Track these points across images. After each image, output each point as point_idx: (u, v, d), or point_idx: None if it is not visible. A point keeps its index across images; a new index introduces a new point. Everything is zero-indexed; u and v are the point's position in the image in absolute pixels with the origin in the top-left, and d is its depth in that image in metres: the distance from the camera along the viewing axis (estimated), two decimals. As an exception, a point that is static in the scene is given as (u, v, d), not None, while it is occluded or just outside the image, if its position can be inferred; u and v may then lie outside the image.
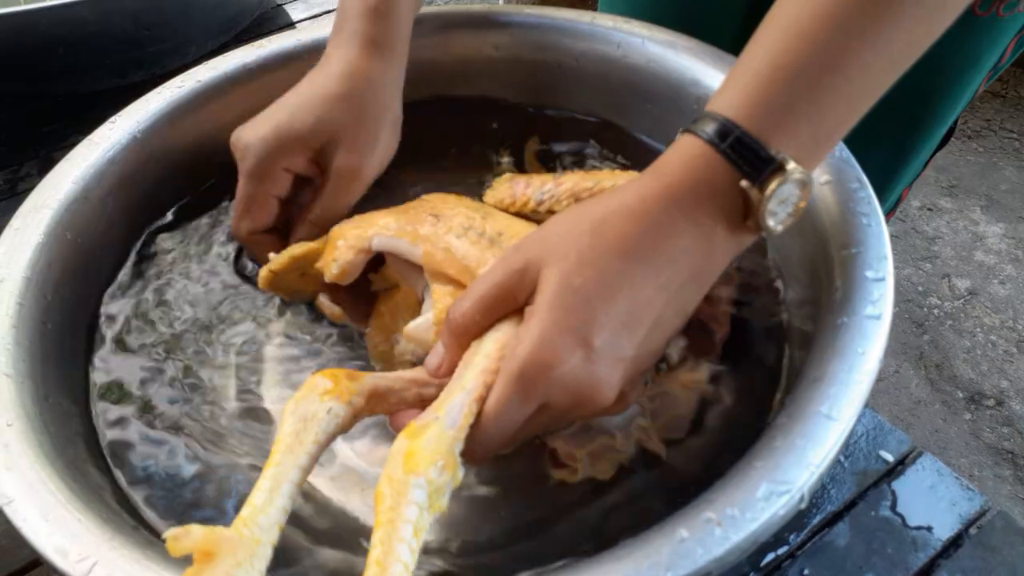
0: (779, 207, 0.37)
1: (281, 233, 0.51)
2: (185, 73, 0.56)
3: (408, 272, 0.46)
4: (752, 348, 0.43)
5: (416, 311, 0.46)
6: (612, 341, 0.36)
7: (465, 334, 0.39)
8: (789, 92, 0.37)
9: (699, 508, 0.33)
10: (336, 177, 0.49)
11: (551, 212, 0.48)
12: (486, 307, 0.38)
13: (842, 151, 0.47)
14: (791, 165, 0.36)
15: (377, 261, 0.48)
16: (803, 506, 0.34)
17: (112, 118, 0.53)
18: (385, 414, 0.38)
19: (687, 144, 0.38)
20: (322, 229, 0.49)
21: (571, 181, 0.48)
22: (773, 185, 0.36)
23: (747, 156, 0.36)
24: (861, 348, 0.38)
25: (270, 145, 0.48)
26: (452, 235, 0.44)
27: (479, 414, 0.35)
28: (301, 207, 0.51)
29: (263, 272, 0.48)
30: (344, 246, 0.45)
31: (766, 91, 0.37)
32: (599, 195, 0.39)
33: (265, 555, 0.31)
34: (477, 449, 0.35)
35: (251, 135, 0.49)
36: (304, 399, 0.36)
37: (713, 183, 0.37)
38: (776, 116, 0.37)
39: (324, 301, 0.49)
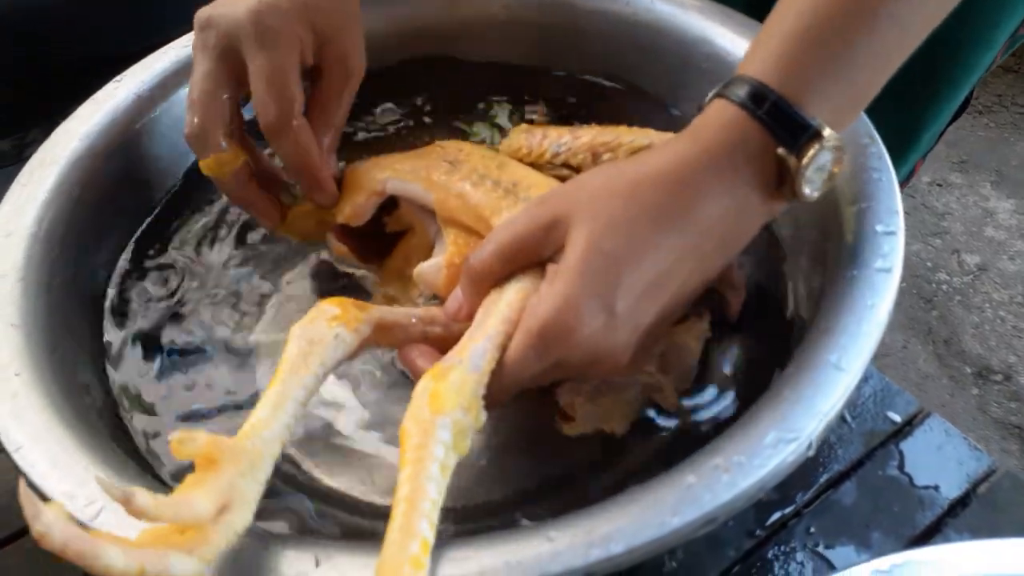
0: (815, 174, 0.36)
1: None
2: (190, 33, 0.55)
3: (421, 216, 0.47)
4: (761, 302, 0.43)
5: (429, 255, 0.46)
6: (635, 308, 0.36)
7: (483, 281, 0.38)
8: (822, 53, 0.36)
9: (707, 455, 0.33)
10: (337, 66, 0.46)
11: (567, 165, 0.48)
12: (506, 257, 0.38)
13: (853, 107, 0.46)
14: (827, 131, 0.36)
15: (391, 204, 0.48)
16: (811, 454, 0.34)
17: (117, 77, 0.53)
18: (389, 347, 0.39)
19: (722, 109, 0.37)
20: (334, 131, 0.47)
21: (589, 135, 0.47)
22: (811, 152, 0.35)
23: (784, 123, 0.36)
24: (871, 300, 0.38)
25: (271, 7, 0.42)
26: (467, 183, 0.44)
27: (500, 364, 0.35)
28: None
29: (279, 225, 0.48)
30: (356, 187, 0.46)
31: (798, 53, 0.36)
32: (633, 157, 0.39)
33: (267, 468, 0.32)
34: (492, 395, 0.35)
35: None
36: (312, 323, 0.36)
37: (750, 150, 0.36)
38: (810, 78, 0.36)
39: (336, 243, 0.49)
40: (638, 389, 0.42)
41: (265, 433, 0.32)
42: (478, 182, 0.44)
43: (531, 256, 0.38)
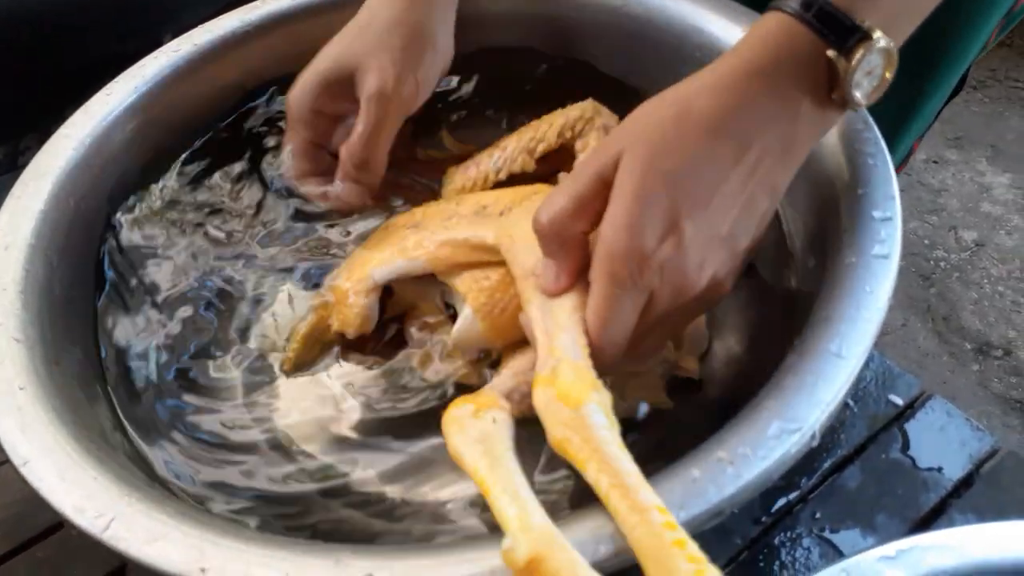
0: (865, 78, 0.36)
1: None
2: (181, 37, 0.55)
3: (419, 288, 0.46)
4: (759, 291, 0.43)
5: (440, 321, 0.45)
6: (703, 222, 0.35)
7: (568, 232, 0.37)
8: None
9: (711, 448, 0.33)
10: (364, 102, 0.48)
11: (512, 173, 0.48)
12: (582, 202, 0.36)
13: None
14: (877, 33, 0.36)
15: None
16: (814, 444, 0.34)
17: (109, 85, 0.53)
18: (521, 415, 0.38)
19: (768, 20, 0.37)
20: (366, 173, 0.48)
21: (512, 141, 0.48)
22: (859, 54, 0.35)
23: (832, 24, 0.35)
24: (869, 287, 0.38)
25: (297, 91, 0.49)
26: (441, 232, 0.44)
27: (590, 331, 0.35)
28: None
29: (283, 360, 0.46)
30: (351, 296, 0.44)
31: None
32: (680, 82, 0.38)
33: (568, 544, 0.30)
34: (605, 363, 0.35)
35: (292, 88, 0.50)
36: (462, 430, 0.35)
37: (798, 54, 0.36)
38: None
39: (359, 358, 0.47)
40: (661, 368, 0.42)
41: (536, 520, 0.31)
42: (449, 225, 0.44)
43: (600, 200, 0.36)
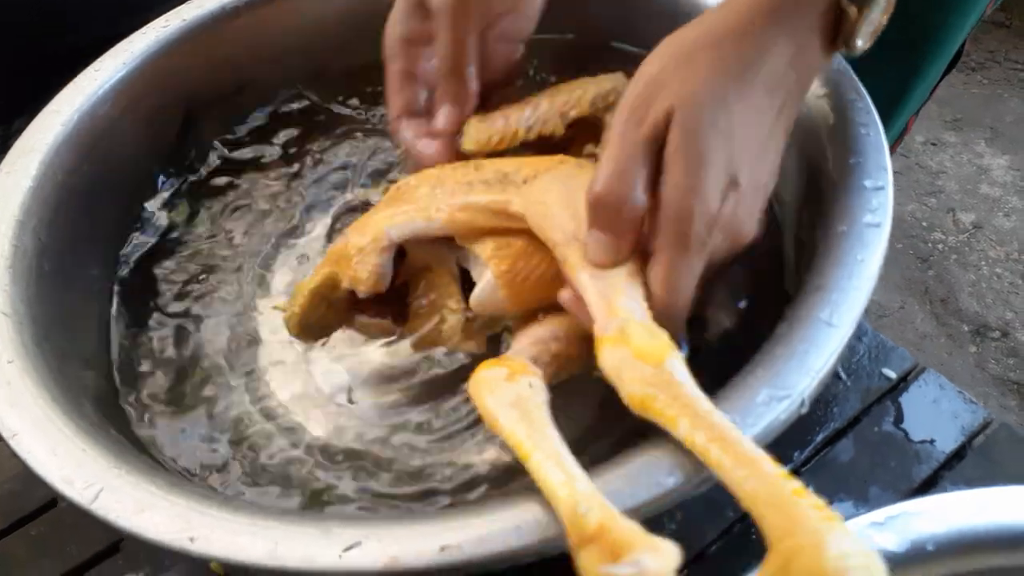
0: (867, 26, 0.38)
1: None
2: (170, 12, 0.55)
3: (434, 251, 0.44)
4: (751, 260, 0.42)
5: (454, 289, 0.43)
6: (753, 173, 0.36)
7: (626, 201, 0.36)
8: None
9: (700, 415, 0.33)
10: (435, 20, 0.46)
11: (542, 135, 0.46)
12: (637, 168, 0.36)
13: (840, 63, 0.46)
14: None
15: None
16: (804, 411, 0.34)
17: (97, 61, 0.52)
18: (562, 372, 0.38)
19: None
20: (457, 85, 0.46)
21: (546, 100, 0.46)
22: (871, 4, 0.36)
23: None
24: (861, 256, 0.37)
25: (388, 23, 0.48)
26: (459, 195, 0.42)
27: (656, 298, 0.35)
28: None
29: (288, 318, 0.44)
30: (365, 253, 0.42)
31: None
32: (691, 24, 0.38)
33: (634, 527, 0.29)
34: (673, 323, 0.35)
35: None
36: (495, 393, 0.34)
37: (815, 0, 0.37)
38: None
39: (364, 321, 0.45)
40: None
41: (580, 487, 0.30)
42: (469, 189, 0.42)
43: (656, 162, 0.36)
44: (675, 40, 0.38)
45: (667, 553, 0.27)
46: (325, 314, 0.44)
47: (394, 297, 0.44)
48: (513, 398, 0.34)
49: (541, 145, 0.46)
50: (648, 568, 0.26)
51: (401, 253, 0.44)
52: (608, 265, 0.36)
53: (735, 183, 0.35)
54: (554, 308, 0.39)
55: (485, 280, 0.40)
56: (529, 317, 0.41)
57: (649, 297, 0.35)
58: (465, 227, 0.42)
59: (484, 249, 0.41)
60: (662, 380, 0.32)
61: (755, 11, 0.36)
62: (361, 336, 0.46)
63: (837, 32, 0.38)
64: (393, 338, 0.46)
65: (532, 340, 0.39)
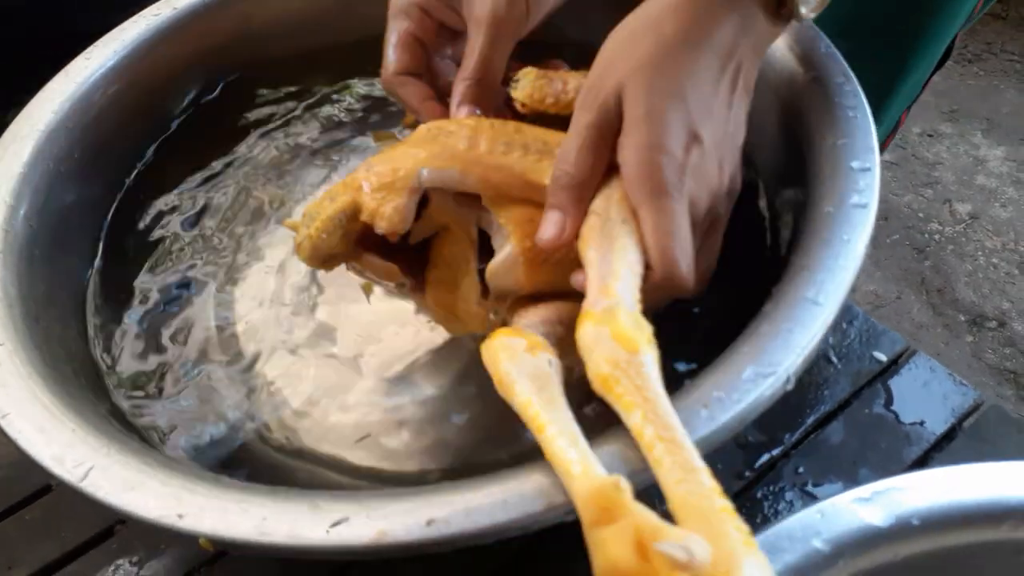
0: None
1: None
2: (161, 1, 0.55)
3: (458, 208, 0.42)
4: (738, 241, 0.43)
5: (471, 253, 0.42)
6: (712, 127, 0.38)
7: (583, 186, 0.38)
8: None
9: (686, 391, 0.33)
10: (477, 23, 0.47)
11: None
12: (594, 148, 0.38)
13: (828, 47, 0.46)
14: None
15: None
16: (789, 387, 0.34)
17: (88, 49, 0.53)
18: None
19: None
20: (484, 94, 0.47)
21: None
22: None
23: None
24: (847, 236, 0.38)
25: None
26: (497, 154, 0.41)
27: (657, 267, 0.35)
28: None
29: (300, 241, 0.42)
30: (394, 189, 0.40)
31: None
32: (637, 9, 0.40)
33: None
34: (680, 285, 0.36)
35: None
36: (513, 359, 0.34)
37: None
38: None
39: (372, 260, 0.42)
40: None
41: (597, 468, 0.30)
42: (507, 150, 0.41)
43: (612, 137, 0.38)
44: (621, 26, 0.40)
45: (704, 544, 0.27)
46: (337, 243, 0.41)
47: (403, 247, 0.42)
48: (532, 370, 0.34)
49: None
50: (698, 553, 0.26)
51: (423, 200, 0.41)
52: (557, 243, 0.38)
53: (696, 136, 0.37)
54: (560, 295, 0.39)
55: (505, 253, 0.39)
56: (528, 300, 0.40)
57: (647, 253, 0.35)
58: (496, 190, 0.40)
59: (509, 218, 0.40)
60: (631, 367, 0.32)
61: None
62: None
63: (781, 3, 0.39)
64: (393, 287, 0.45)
65: (542, 319, 0.38)
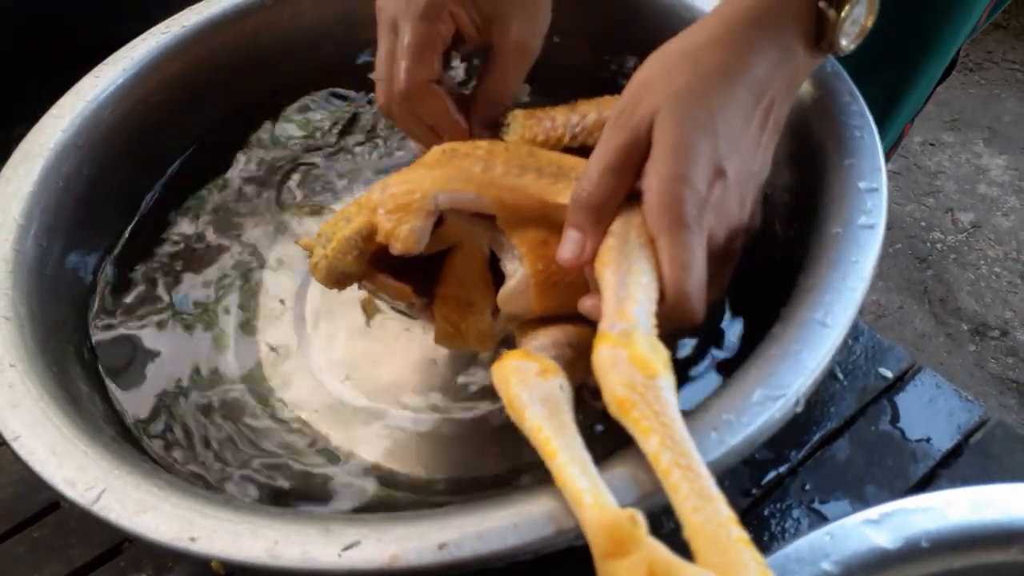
0: (851, 27, 0.39)
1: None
2: (170, 19, 0.55)
3: (472, 228, 0.42)
4: (744, 262, 0.43)
5: (483, 273, 0.43)
6: (739, 162, 0.38)
7: (604, 207, 0.38)
8: None
9: (696, 415, 0.33)
10: (514, 51, 0.47)
11: (584, 145, 0.46)
12: (619, 170, 0.38)
13: (834, 65, 0.46)
14: None
15: None
16: (799, 410, 0.34)
17: (98, 67, 0.53)
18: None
19: None
20: (498, 109, 0.47)
21: (592, 111, 0.46)
22: (848, 7, 0.38)
23: None
24: (855, 257, 0.38)
25: None
26: (511, 177, 0.41)
27: (669, 297, 0.35)
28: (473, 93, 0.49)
29: (316, 261, 0.42)
30: (410, 211, 0.40)
31: None
32: (680, 35, 0.40)
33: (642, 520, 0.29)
34: (690, 313, 0.36)
35: None
36: (525, 384, 0.34)
37: (792, 5, 0.39)
38: None
39: (386, 280, 0.43)
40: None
41: (608, 498, 0.30)
42: (521, 173, 0.41)
43: (637, 162, 0.38)
44: (661, 51, 0.40)
45: None
46: (352, 263, 0.42)
47: (418, 266, 0.43)
48: (544, 395, 0.34)
49: (581, 151, 0.45)
50: None
51: (438, 219, 0.42)
52: (575, 263, 0.38)
53: (721, 172, 0.37)
54: (569, 319, 0.39)
55: (517, 279, 0.40)
56: (537, 321, 0.40)
57: (662, 282, 0.35)
58: (511, 211, 0.40)
59: (523, 241, 0.40)
60: (649, 392, 0.32)
61: (736, 20, 0.39)
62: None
63: (821, 35, 0.39)
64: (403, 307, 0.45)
65: (552, 341, 0.38)
